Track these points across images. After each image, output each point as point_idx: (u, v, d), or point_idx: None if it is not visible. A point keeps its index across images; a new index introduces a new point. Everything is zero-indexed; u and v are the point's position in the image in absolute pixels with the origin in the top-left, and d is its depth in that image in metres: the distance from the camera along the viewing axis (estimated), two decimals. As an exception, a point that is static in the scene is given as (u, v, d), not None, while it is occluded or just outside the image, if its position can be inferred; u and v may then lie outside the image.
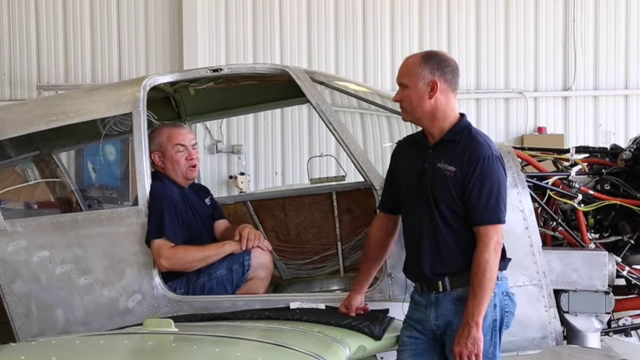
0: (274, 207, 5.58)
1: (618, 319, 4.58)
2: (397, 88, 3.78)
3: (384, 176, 4.06)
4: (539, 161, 4.70)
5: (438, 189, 3.61)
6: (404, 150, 3.91)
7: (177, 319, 3.63)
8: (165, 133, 4.62)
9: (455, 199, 3.58)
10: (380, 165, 4.73)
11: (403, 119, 3.81)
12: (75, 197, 5.45)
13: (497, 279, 3.60)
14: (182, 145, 4.58)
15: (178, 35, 10.67)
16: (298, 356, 3.06)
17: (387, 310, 4.06)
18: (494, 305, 3.58)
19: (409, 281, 3.86)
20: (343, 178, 6.14)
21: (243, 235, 4.38)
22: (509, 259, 3.72)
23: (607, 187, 4.51)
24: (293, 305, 4.06)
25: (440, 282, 3.63)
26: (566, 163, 4.68)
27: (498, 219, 3.55)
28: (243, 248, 4.33)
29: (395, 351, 3.89)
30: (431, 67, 3.65)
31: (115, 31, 10.87)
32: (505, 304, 3.64)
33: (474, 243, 3.56)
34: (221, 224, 4.80)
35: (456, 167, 3.58)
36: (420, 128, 3.85)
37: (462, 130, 3.67)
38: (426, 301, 3.70)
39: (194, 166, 4.63)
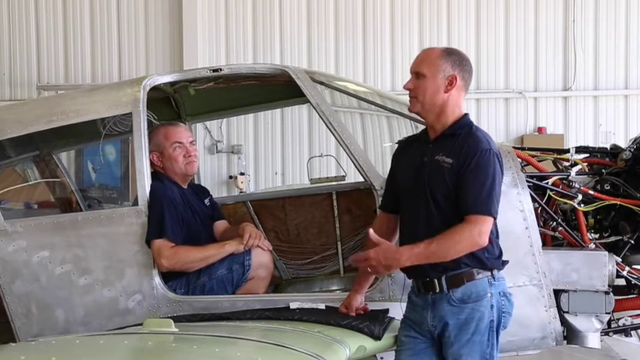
0: (274, 207, 5.59)
1: (618, 319, 4.58)
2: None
3: (384, 176, 4.06)
4: (539, 161, 4.70)
5: (434, 181, 3.60)
6: (405, 148, 3.93)
7: (177, 319, 3.63)
8: (162, 132, 4.63)
9: (450, 190, 3.57)
10: (380, 165, 4.74)
11: (410, 109, 3.78)
12: (75, 197, 5.45)
13: (495, 279, 3.60)
14: (179, 143, 4.59)
15: (178, 35, 10.67)
16: (298, 356, 3.06)
17: (387, 310, 4.06)
18: (492, 306, 3.57)
19: (407, 280, 3.86)
20: (343, 178, 6.14)
21: (246, 232, 4.38)
22: (507, 261, 3.70)
23: (607, 187, 4.51)
24: (293, 305, 4.06)
25: (436, 281, 3.62)
26: (566, 163, 4.68)
27: (489, 211, 3.51)
28: (244, 243, 4.33)
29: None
30: (452, 61, 3.66)
31: (115, 31, 10.87)
32: (502, 305, 3.62)
33: None
34: (221, 225, 4.81)
35: (453, 159, 3.58)
36: (420, 128, 3.85)
37: (464, 125, 3.68)
38: (423, 301, 3.69)
39: (193, 162, 4.63)
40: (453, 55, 3.70)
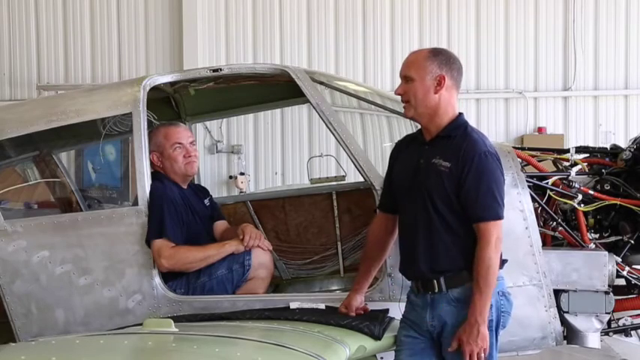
0: (274, 207, 5.59)
1: (618, 319, 4.58)
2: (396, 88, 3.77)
3: (384, 176, 4.06)
4: (539, 161, 4.70)
5: (432, 184, 3.60)
6: (402, 148, 3.92)
7: (177, 319, 3.63)
8: (162, 132, 4.63)
9: (449, 194, 3.57)
10: (380, 165, 4.73)
11: (405, 115, 3.78)
12: (75, 197, 5.44)
13: (495, 278, 3.60)
14: (179, 143, 4.59)
15: (178, 35, 10.67)
16: (298, 356, 3.06)
17: (387, 310, 4.05)
18: (491, 306, 3.56)
19: (406, 280, 3.86)
20: (343, 178, 6.14)
21: (246, 232, 4.39)
22: (506, 260, 3.70)
23: (607, 187, 4.51)
24: (293, 305, 4.06)
25: (435, 281, 3.62)
26: (566, 163, 4.68)
27: (497, 215, 3.53)
28: (246, 244, 4.33)
29: (395, 351, 3.89)
30: (439, 61, 3.64)
31: (115, 31, 10.87)
32: (501, 305, 3.63)
33: (469, 241, 3.55)
34: (220, 225, 4.80)
35: (451, 163, 3.57)
36: (419, 127, 3.85)
37: (459, 126, 3.67)
38: (422, 302, 3.69)
39: (193, 162, 4.63)
40: (439, 55, 3.68)
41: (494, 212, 3.53)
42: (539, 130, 10.44)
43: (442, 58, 3.66)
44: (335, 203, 5.44)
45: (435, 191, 3.59)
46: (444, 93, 3.64)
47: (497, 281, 3.61)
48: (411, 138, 3.93)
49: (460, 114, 3.73)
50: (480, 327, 3.46)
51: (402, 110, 3.82)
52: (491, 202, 3.52)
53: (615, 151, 4.72)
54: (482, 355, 3.48)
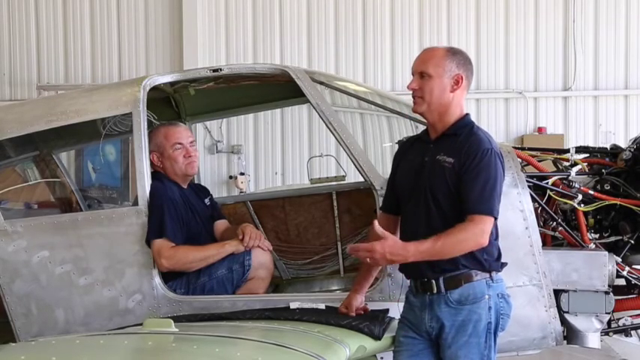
0: (274, 207, 5.59)
1: (618, 319, 4.58)
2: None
3: (384, 176, 4.05)
4: (539, 161, 4.69)
5: (435, 180, 3.59)
6: (405, 150, 3.91)
7: (177, 319, 3.63)
8: (162, 132, 4.63)
9: (451, 190, 3.55)
10: (380, 165, 4.74)
11: (414, 110, 3.74)
12: (75, 197, 5.44)
13: (493, 281, 3.58)
14: (180, 144, 4.59)
15: (178, 35, 10.68)
16: (298, 356, 3.05)
17: (387, 310, 4.05)
18: (489, 308, 3.55)
19: (405, 280, 3.85)
20: (343, 178, 6.14)
21: (246, 232, 4.39)
22: (505, 264, 3.68)
23: (607, 187, 4.51)
24: (293, 305, 4.06)
25: (434, 282, 3.60)
26: (566, 163, 4.68)
27: (491, 211, 3.50)
28: (246, 245, 4.33)
29: (395, 351, 3.88)
30: (458, 61, 3.66)
31: (115, 31, 10.88)
32: (500, 307, 3.60)
33: None
34: (221, 225, 4.80)
35: (455, 159, 3.56)
36: (420, 128, 3.84)
37: (465, 125, 3.67)
38: (420, 302, 3.67)
39: (193, 162, 4.63)
40: (457, 54, 3.70)
41: (489, 207, 3.50)
42: (539, 130, 10.45)
43: (460, 58, 3.69)
44: (335, 203, 5.44)
45: (437, 187, 3.59)
46: (459, 92, 3.65)
47: (496, 283, 3.60)
48: (414, 139, 3.93)
49: (467, 114, 3.73)
50: (400, 255, 3.45)
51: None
52: (487, 198, 3.49)
53: (615, 151, 4.71)
54: (368, 256, 3.46)
